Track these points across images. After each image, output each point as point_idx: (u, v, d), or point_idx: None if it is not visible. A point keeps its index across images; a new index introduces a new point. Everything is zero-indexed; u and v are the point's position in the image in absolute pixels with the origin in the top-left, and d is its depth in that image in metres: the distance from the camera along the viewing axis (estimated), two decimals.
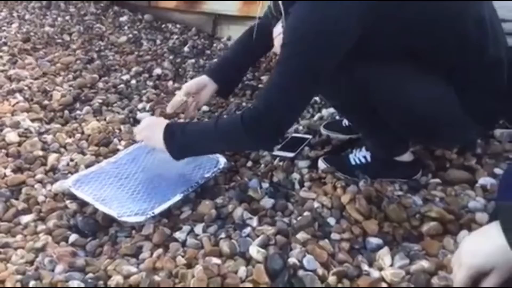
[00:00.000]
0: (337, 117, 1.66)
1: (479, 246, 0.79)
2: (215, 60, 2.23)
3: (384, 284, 0.99)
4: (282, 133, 1.21)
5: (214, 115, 1.77)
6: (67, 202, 1.28)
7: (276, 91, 1.10)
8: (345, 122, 1.57)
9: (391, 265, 1.05)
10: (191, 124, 1.37)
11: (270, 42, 1.40)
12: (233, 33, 2.51)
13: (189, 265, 1.07)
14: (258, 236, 1.13)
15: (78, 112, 1.79)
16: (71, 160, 1.49)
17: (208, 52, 2.39)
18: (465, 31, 1.08)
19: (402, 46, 1.09)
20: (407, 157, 1.32)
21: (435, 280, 0.98)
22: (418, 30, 1.07)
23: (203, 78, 1.47)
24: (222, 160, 1.41)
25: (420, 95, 1.12)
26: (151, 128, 1.27)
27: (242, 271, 1.04)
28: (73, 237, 1.17)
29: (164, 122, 1.25)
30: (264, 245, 1.10)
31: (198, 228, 1.18)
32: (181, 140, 1.21)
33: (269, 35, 1.37)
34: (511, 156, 1.36)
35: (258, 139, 1.15)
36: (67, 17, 2.90)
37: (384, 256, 1.07)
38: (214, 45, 2.48)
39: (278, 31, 1.29)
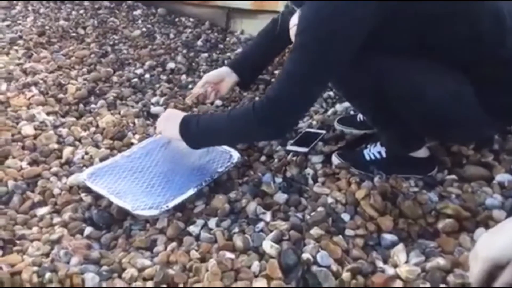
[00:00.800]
0: (352, 112, 1.65)
1: (495, 239, 0.78)
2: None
3: (399, 281, 0.99)
4: (292, 122, 1.22)
5: (228, 109, 1.76)
6: (82, 195, 1.29)
7: (287, 79, 1.11)
8: (360, 117, 1.55)
9: (406, 262, 1.04)
10: (206, 116, 1.38)
11: (285, 38, 1.40)
12: (247, 27, 2.50)
13: (203, 259, 1.07)
14: (271, 231, 1.13)
15: (92, 105, 1.80)
16: (86, 153, 1.50)
17: (221, 46, 2.38)
18: (481, 26, 1.06)
19: (416, 39, 1.08)
20: (422, 153, 1.31)
21: (451, 278, 0.98)
22: (431, 24, 1.05)
23: (224, 69, 1.51)
24: (235, 155, 1.40)
25: (434, 89, 1.10)
26: (169, 120, 1.31)
27: (256, 265, 1.04)
28: (88, 229, 1.18)
29: (181, 114, 1.28)
30: (278, 240, 1.09)
31: (212, 222, 1.18)
32: (195, 131, 1.24)
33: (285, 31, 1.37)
34: None
35: (270, 128, 1.15)
36: (81, 11, 2.91)
37: (399, 253, 1.06)
38: (227, 39, 2.47)
39: (294, 22, 1.28)
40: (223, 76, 1.50)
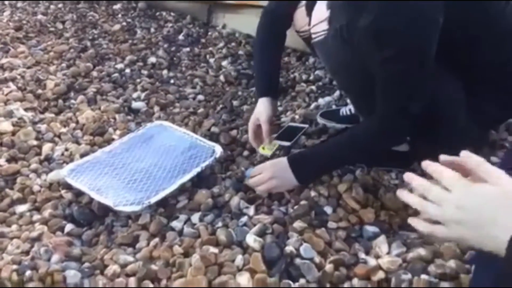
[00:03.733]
0: (334, 106, 1.66)
1: None
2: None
3: (381, 272, 1.00)
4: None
5: (210, 104, 1.75)
6: (62, 191, 1.27)
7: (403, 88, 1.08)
8: (342, 111, 1.56)
9: (388, 253, 1.05)
10: (315, 149, 1.33)
11: (287, 27, 1.45)
12: (228, 21, 2.49)
13: (186, 254, 1.07)
14: (255, 225, 1.13)
15: (72, 101, 1.77)
16: (66, 149, 1.47)
17: (203, 40, 2.37)
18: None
19: None
20: (404, 147, 1.32)
21: (431, 268, 0.99)
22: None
23: (265, 102, 1.40)
24: (218, 150, 1.40)
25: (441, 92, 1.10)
26: (276, 171, 1.21)
27: (239, 259, 1.04)
28: (68, 226, 1.16)
29: (281, 161, 1.21)
30: (261, 234, 1.10)
31: (195, 217, 1.18)
32: (312, 160, 1.21)
33: (286, 20, 1.43)
34: (507, 144, 1.37)
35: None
36: (60, 5, 2.86)
37: (381, 244, 1.07)
38: (209, 33, 2.46)
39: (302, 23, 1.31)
40: (271, 108, 1.39)
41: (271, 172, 1.21)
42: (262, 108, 1.38)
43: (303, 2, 1.37)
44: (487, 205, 0.59)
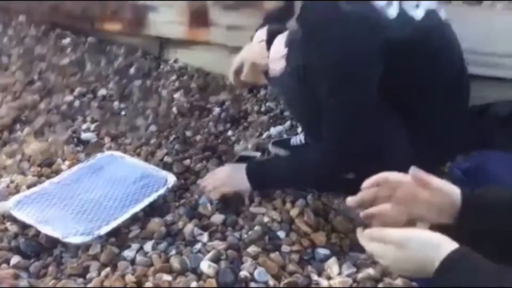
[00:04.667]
0: (285, 136, 1.71)
1: None
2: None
3: None
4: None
5: (163, 134, 1.75)
6: (7, 224, 1.22)
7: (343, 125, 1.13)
8: (293, 141, 1.61)
9: (339, 274, 1.08)
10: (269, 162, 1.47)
11: None
12: (181, 56, 2.52)
13: (139, 283, 1.05)
14: (209, 251, 1.13)
15: (18, 133, 1.72)
16: (11, 181, 1.42)
17: (154, 73, 2.38)
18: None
19: None
20: (351, 174, 1.37)
21: (380, 286, 1.03)
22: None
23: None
24: (171, 179, 1.39)
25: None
26: (230, 175, 1.31)
27: (194, 286, 1.03)
28: (15, 259, 1.12)
29: (239, 166, 1.32)
30: (216, 260, 1.10)
31: (148, 246, 1.16)
32: (267, 177, 1.29)
33: None
34: None
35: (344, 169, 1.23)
36: (5, 40, 2.80)
37: (332, 265, 1.10)
38: (161, 67, 2.47)
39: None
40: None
41: (226, 173, 1.31)
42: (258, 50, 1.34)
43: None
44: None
